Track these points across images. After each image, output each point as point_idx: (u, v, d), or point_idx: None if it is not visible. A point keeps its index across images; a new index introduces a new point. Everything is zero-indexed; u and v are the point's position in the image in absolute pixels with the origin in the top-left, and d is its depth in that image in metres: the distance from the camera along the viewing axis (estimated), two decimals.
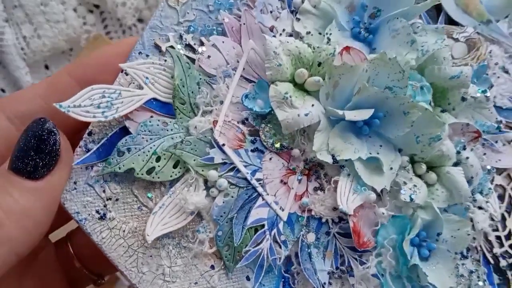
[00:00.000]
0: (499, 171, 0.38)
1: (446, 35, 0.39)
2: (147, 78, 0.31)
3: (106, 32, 0.61)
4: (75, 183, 0.30)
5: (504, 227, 0.38)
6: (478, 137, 0.36)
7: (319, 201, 0.33)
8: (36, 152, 0.28)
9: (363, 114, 0.32)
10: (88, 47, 0.58)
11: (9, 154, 0.30)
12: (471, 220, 0.36)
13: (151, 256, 0.31)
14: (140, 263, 0.31)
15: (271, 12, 0.35)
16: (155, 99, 0.32)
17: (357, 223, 0.33)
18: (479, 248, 0.36)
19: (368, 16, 0.36)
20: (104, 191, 0.31)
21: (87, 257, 0.39)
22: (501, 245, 0.37)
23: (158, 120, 0.31)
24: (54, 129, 0.29)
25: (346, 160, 0.33)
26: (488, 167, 0.38)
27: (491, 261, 0.37)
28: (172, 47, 0.33)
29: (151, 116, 0.31)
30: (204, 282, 0.32)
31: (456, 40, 0.39)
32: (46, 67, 0.61)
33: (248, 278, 0.32)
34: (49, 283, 0.37)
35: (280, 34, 0.34)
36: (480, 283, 0.35)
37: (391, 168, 0.34)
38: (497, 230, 0.37)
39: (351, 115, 0.32)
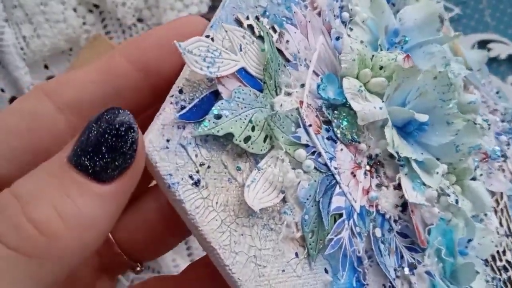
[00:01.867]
0: (491, 194, 0.44)
1: None
2: (241, 46, 0.30)
3: (106, 32, 0.59)
4: (167, 141, 0.26)
5: (500, 244, 0.42)
6: (485, 158, 0.41)
7: (385, 197, 0.34)
8: (109, 150, 0.23)
9: (423, 117, 0.35)
10: (87, 47, 0.54)
11: (57, 149, 0.24)
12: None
13: (242, 234, 0.27)
14: (233, 241, 0.26)
15: (334, 15, 0.37)
16: (244, 69, 0.30)
17: (416, 221, 0.34)
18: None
19: (397, 42, 0.40)
20: (196, 156, 0.27)
21: (126, 242, 0.32)
22: (500, 259, 0.41)
23: (250, 91, 0.29)
24: (134, 125, 0.24)
25: (402, 160, 0.35)
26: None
27: (496, 272, 0.41)
28: (251, 26, 0.32)
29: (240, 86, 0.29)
30: (290, 270, 0.28)
31: None
32: (46, 67, 0.61)
33: (326, 271, 0.30)
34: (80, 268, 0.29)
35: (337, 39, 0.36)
36: None
37: (437, 173, 0.36)
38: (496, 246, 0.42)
39: (416, 115, 0.34)
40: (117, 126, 0.23)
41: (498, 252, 0.42)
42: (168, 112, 0.26)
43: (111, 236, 0.32)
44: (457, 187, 0.39)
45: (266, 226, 0.28)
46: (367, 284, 0.32)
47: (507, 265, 0.42)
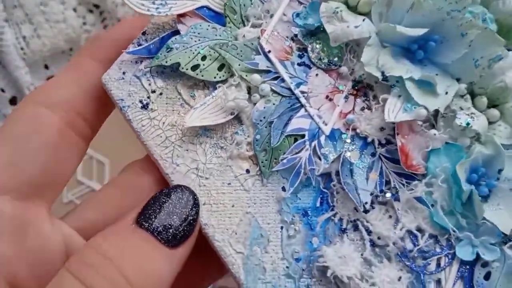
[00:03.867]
0: None
1: None
2: None
3: None
4: (123, 73, 0.32)
5: None
6: None
7: (366, 119, 0.32)
8: (181, 221, 0.28)
9: (417, 31, 0.32)
10: None
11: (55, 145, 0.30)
12: None
13: (187, 150, 0.31)
14: (175, 155, 0.31)
15: None
16: (208, 8, 0.33)
17: (406, 145, 0.32)
18: None
19: None
20: (149, 84, 0.32)
21: None
22: None
23: (209, 25, 0.33)
24: (197, 200, 0.29)
25: (397, 81, 0.32)
26: None
27: None
28: None
29: None
30: (237, 184, 0.31)
31: None
32: (46, 67, 0.60)
33: (283, 189, 0.31)
34: None
35: None
36: None
37: (447, 93, 0.32)
38: None
39: (403, 30, 0.32)
40: (185, 201, 0.28)
41: None
42: (128, 50, 0.32)
43: None
44: (494, 111, 0.33)
45: (216, 145, 0.31)
46: (335, 206, 0.31)
47: None
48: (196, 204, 0.28)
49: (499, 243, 0.31)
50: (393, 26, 0.32)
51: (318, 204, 0.31)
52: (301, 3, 0.35)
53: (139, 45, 0.32)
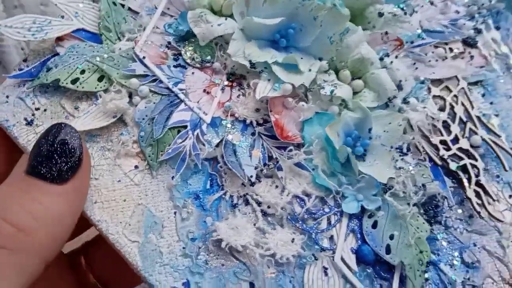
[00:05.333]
0: (437, 83, 0.39)
1: None
2: (76, 13, 0.36)
3: None
4: (7, 97, 0.34)
5: (449, 132, 0.37)
6: (400, 44, 0.38)
7: (242, 104, 0.35)
8: (60, 156, 0.29)
9: (274, 20, 0.35)
10: None
11: None
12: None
13: None
14: None
15: None
16: (84, 30, 0.36)
17: (280, 119, 0.34)
18: (422, 150, 0.36)
19: None
20: (33, 103, 0.34)
21: (101, 271, 0.40)
22: (448, 148, 0.36)
23: (86, 44, 0.35)
24: (76, 133, 0.30)
25: (265, 67, 0.35)
26: (422, 78, 0.38)
27: (439, 162, 0.36)
28: None
29: None
30: (127, 180, 0.32)
31: None
32: None
33: (173, 178, 0.33)
34: None
35: None
36: (425, 177, 0.34)
37: (310, 70, 0.35)
38: (441, 135, 0.37)
39: (262, 20, 0.35)
40: (62, 136, 0.29)
41: (443, 141, 0.37)
42: (10, 75, 0.34)
43: (86, 263, 0.40)
44: (358, 81, 0.36)
45: (103, 148, 0.33)
46: (224, 186, 0.33)
47: (459, 153, 0.36)
48: (74, 136, 0.29)
49: (380, 193, 0.34)
50: (250, 18, 0.35)
51: (208, 187, 0.33)
52: (171, 16, 0.38)
53: (21, 70, 0.34)
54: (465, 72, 0.40)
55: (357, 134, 0.35)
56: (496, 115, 0.40)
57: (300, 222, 0.32)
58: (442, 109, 0.38)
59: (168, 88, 0.35)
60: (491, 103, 0.40)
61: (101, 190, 0.32)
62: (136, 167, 0.33)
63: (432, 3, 0.43)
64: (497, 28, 0.44)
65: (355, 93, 0.36)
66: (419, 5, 0.42)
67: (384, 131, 0.35)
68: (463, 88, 0.39)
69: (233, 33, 0.36)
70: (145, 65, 0.35)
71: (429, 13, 0.42)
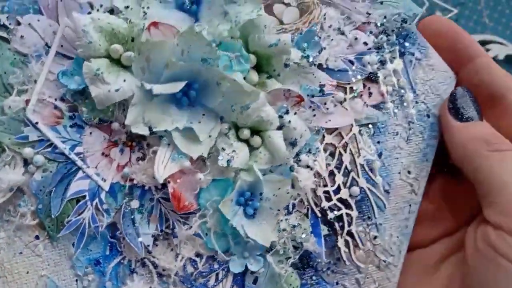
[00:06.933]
0: (330, 130, 0.42)
1: (277, 0, 0.41)
2: None
3: None
4: None
5: (334, 182, 0.41)
6: (300, 101, 0.39)
7: (141, 170, 0.36)
8: None
9: (173, 88, 0.35)
10: None
11: None
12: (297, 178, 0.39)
13: None
14: None
15: None
16: None
17: (178, 189, 0.36)
18: (306, 203, 0.40)
19: None
20: None
21: None
22: (329, 199, 0.41)
23: None
24: None
25: (165, 131, 0.36)
26: (317, 127, 0.41)
27: (319, 214, 0.41)
28: None
29: None
30: (29, 251, 0.35)
31: (288, 5, 0.41)
32: None
33: (74, 245, 0.35)
34: None
35: (98, 10, 0.36)
36: (304, 235, 0.39)
37: (210, 136, 0.36)
38: (326, 185, 0.41)
39: (160, 89, 0.34)
40: None
41: (327, 192, 0.41)
42: None
43: None
44: (257, 139, 0.38)
45: (1, 219, 0.34)
46: (123, 251, 0.36)
47: (338, 203, 0.41)
48: None
49: (263, 253, 0.39)
50: (150, 87, 0.34)
51: (108, 252, 0.36)
52: (68, 57, 0.35)
53: None
54: (360, 115, 0.42)
55: (249, 196, 0.38)
56: (380, 155, 0.44)
57: (192, 283, 0.37)
58: (332, 154, 0.42)
59: (64, 154, 0.35)
60: (378, 142, 0.44)
61: (4, 264, 0.34)
62: (37, 237, 0.35)
63: (343, 33, 0.42)
64: (402, 54, 0.45)
65: (253, 148, 0.38)
66: (329, 37, 0.42)
67: (274, 195, 0.38)
68: (354, 134, 0.42)
69: (133, 94, 0.35)
70: (39, 130, 0.34)
71: (337, 49, 0.42)
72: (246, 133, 0.38)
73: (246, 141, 0.38)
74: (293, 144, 0.39)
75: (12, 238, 0.34)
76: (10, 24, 0.35)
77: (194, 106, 0.37)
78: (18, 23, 0.35)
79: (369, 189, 0.42)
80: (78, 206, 0.35)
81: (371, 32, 0.44)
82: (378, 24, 0.44)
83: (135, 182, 0.36)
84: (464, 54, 0.47)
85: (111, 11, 0.36)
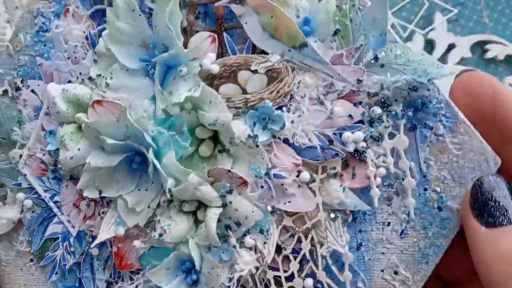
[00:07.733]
0: (292, 212, 0.37)
1: (244, 66, 0.37)
2: None
3: None
4: None
5: (288, 268, 0.38)
6: (244, 183, 0.36)
7: (99, 225, 0.41)
8: None
9: (111, 161, 0.37)
10: None
11: None
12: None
13: None
14: None
15: (68, 58, 0.40)
16: None
17: (123, 248, 0.40)
18: (251, 284, 0.38)
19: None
20: None
21: None
22: (280, 285, 0.38)
23: None
24: None
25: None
26: (270, 208, 0.37)
27: None
28: (6, 90, 0.43)
29: None
30: (26, 269, 0.44)
31: (255, 71, 0.37)
32: None
33: (56, 273, 0.43)
34: None
35: (77, 78, 0.40)
36: None
37: (149, 207, 0.38)
38: (277, 270, 0.38)
39: (97, 162, 0.37)
40: None
41: (278, 277, 0.37)
42: None
43: None
44: (202, 213, 0.38)
45: (9, 241, 0.44)
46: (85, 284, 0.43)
47: None
48: None
49: None
50: (88, 161, 0.38)
51: (77, 284, 0.43)
52: None
53: None
54: (332, 200, 0.37)
55: (190, 266, 0.39)
56: (359, 247, 0.37)
57: None
58: (293, 236, 0.38)
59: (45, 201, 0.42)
60: (360, 231, 0.37)
61: (10, 276, 0.44)
62: (31, 260, 0.44)
63: (322, 103, 0.36)
64: (413, 128, 0.36)
65: (199, 221, 0.38)
66: (300, 109, 0.36)
67: (208, 272, 0.38)
68: (320, 220, 0.37)
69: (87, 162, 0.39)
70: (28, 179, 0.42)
71: (312, 122, 0.36)
72: (188, 206, 0.38)
73: (194, 213, 0.38)
74: (237, 224, 0.37)
75: (16, 257, 0.44)
76: (23, 87, 0.43)
77: (146, 172, 0.39)
78: (28, 87, 0.42)
79: (328, 285, 0.37)
80: (53, 245, 0.42)
81: (360, 103, 0.36)
82: (372, 93, 0.36)
83: (93, 233, 0.41)
84: (508, 128, 0.34)
85: (90, 78, 0.40)
